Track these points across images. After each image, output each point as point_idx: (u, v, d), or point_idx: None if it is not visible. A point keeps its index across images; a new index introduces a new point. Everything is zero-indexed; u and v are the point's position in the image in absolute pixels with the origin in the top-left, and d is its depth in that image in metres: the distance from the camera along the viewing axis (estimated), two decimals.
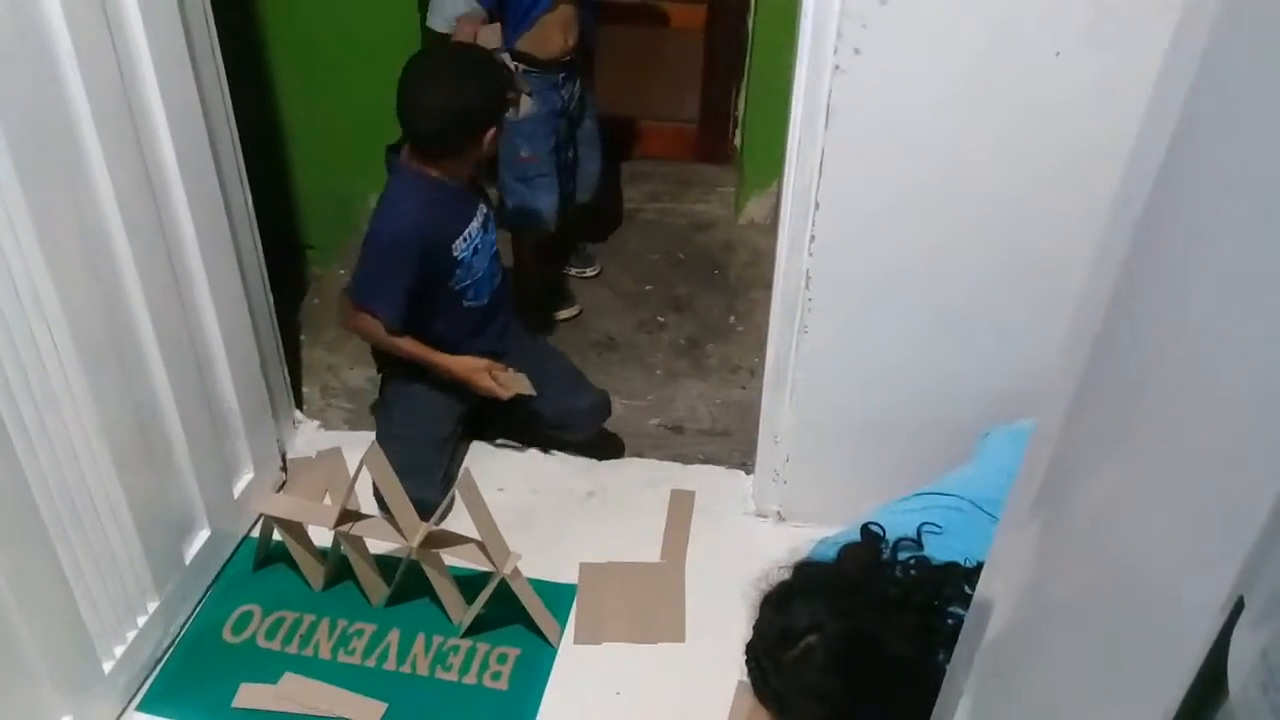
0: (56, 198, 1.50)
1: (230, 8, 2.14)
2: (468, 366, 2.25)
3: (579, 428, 2.43)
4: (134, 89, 1.66)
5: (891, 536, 1.60)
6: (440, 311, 2.25)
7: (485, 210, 2.29)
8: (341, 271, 3.15)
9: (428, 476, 2.21)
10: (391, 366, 2.37)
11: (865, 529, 1.62)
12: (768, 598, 1.57)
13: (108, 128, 1.58)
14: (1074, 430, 0.85)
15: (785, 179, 1.89)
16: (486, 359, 2.27)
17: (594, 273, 3.16)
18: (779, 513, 2.25)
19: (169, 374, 1.82)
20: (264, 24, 3.03)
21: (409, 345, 2.22)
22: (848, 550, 1.61)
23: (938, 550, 1.56)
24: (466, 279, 2.23)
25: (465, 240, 2.20)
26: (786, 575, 1.59)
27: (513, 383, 2.27)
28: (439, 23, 2.63)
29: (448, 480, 2.23)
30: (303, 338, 2.85)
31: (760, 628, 1.56)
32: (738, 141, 3.62)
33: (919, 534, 1.60)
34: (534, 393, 2.29)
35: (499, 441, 2.49)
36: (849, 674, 1.44)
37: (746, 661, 1.58)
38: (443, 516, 2.05)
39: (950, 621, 1.51)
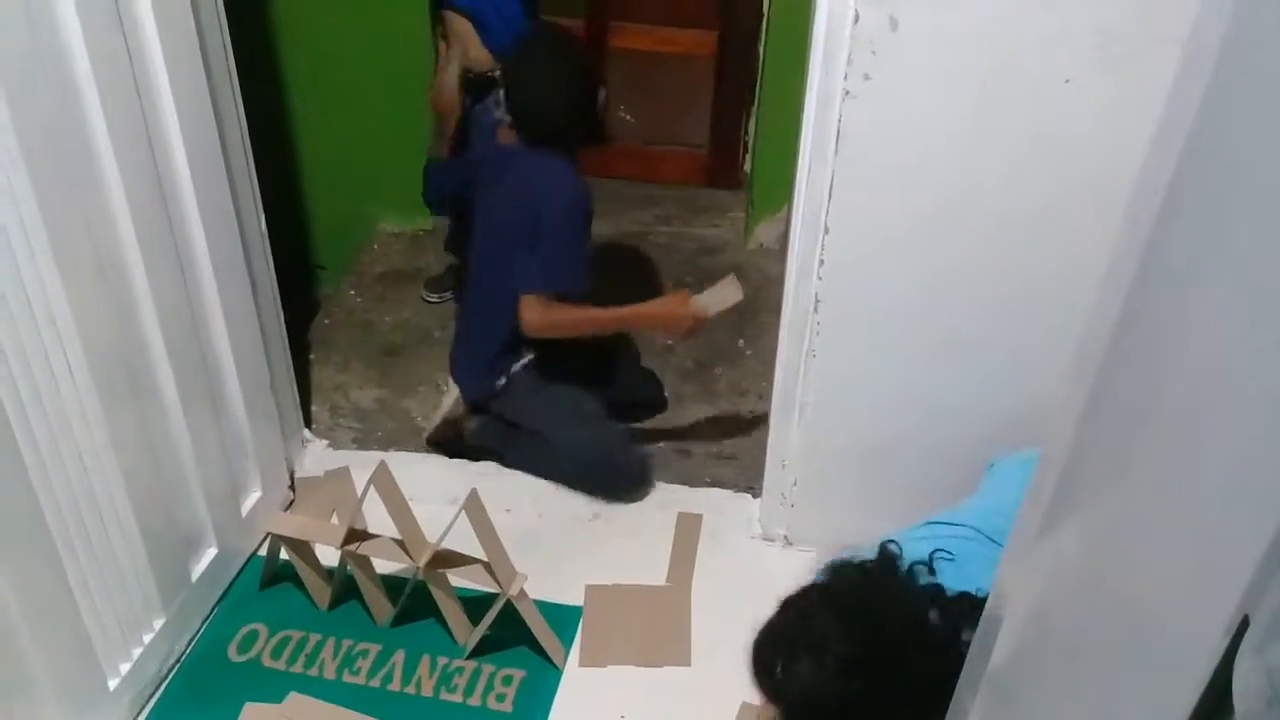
0: (72, 217, 1.52)
1: (246, 32, 2.17)
2: (670, 305, 2.28)
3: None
4: (150, 110, 1.68)
5: (906, 560, 1.60)
6: None
7: None
8: (351, 292, 3.17)
9: (627, 446, 2.35)
10: (521, 377, 2.38)
11: (883, 547, 1.62)
12: (792, 600, 1.56)
13: (124, 148, 1.60)
14: (1080, 455, 0.85)
15: (795, 204, 1.89)
16: (677, 293, 2.29)
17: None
18: (786, 536, 2.24)
19: (180, 392, 1.83)
20: (279, 48, 3.07)
21: (606, 313, 2.26)
22: (869, 567, 1.61)
23: (951, 579, 1.56)
24: None
25: None
26: (817, 580, 1.59)
27: (721, 297, 2.25)
28: None
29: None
30: (312, 357, 2.86)
31: (779, 627, 1.55)
32: (748, 166, 3.64)
33: (931, 560, 1.60)
34: (740, 295, 2.30)
35: None
36: (854, 696, 1.44)
37: (754, 654, 1.57)
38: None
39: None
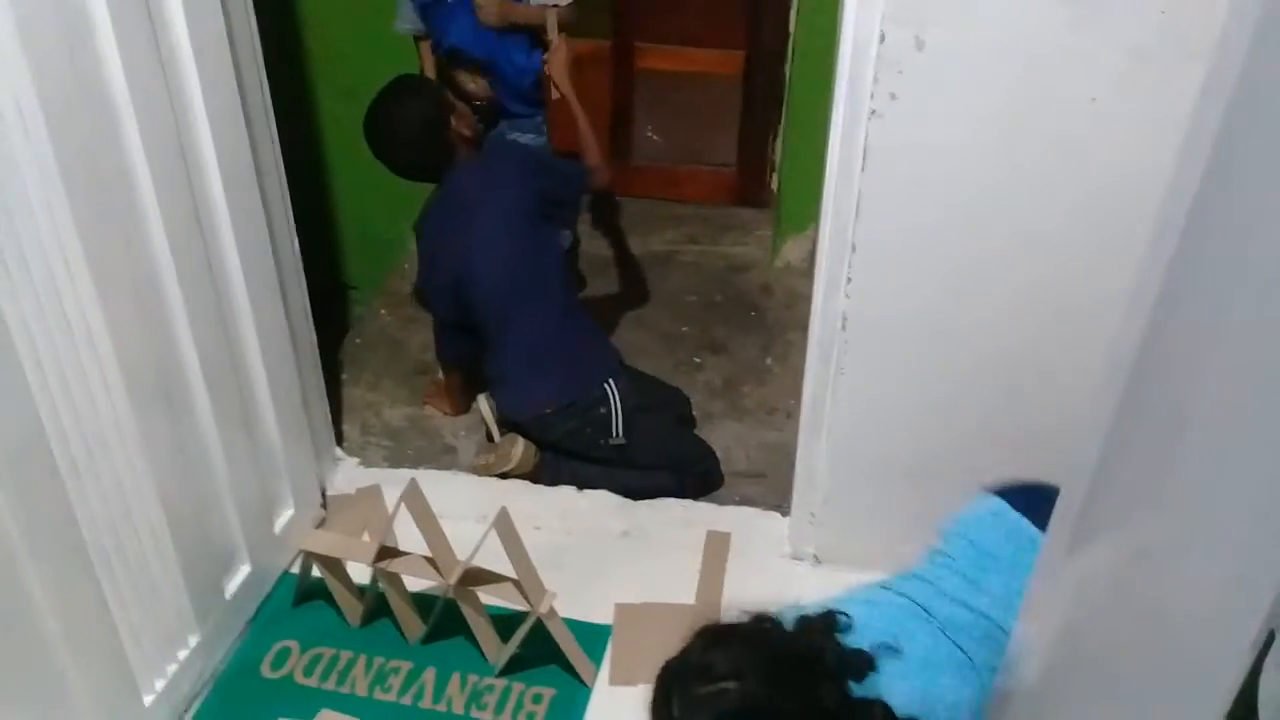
0: (110, 238, 1.55)
1: (279, 56, 2.21)
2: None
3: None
4: (186, 134, 1.71)
5: (858, 637, 1.50)
6: None
7: None
8: (382, 312, 3.20)
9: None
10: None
11: (830, 614, 1.54)
12: (709, 628, 1.51)
13: (161, 172, 1.63)
14: (1107, 472, 0.85)
15: (822, 222, 1.90)
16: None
17: None
18: (815, 555, 2.24)
19: (214, 412, 1.86)
20: (311, 72, 3.11)
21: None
22: (805, 626, 1.53)
23: (888, 679, 1.46)
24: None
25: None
26: (742, 619, 1.52)
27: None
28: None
29: None
30: (344, 376, 2.88)
31: (688, 653, 1.49)
32: (775, 185, 3.65)
33: (875, 653, 1.50)
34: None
35: None
36: None
37: (657, 679, 1.51)
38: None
39: None
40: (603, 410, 2.46)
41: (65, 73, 1.42)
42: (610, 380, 2.48)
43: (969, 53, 1.62)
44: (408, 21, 2.85)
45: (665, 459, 2.55)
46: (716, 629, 1.49)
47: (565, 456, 2.52)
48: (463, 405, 2.75)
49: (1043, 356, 1.88)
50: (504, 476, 2.50)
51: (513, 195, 2.44)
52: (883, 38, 1.62)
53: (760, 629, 1.48)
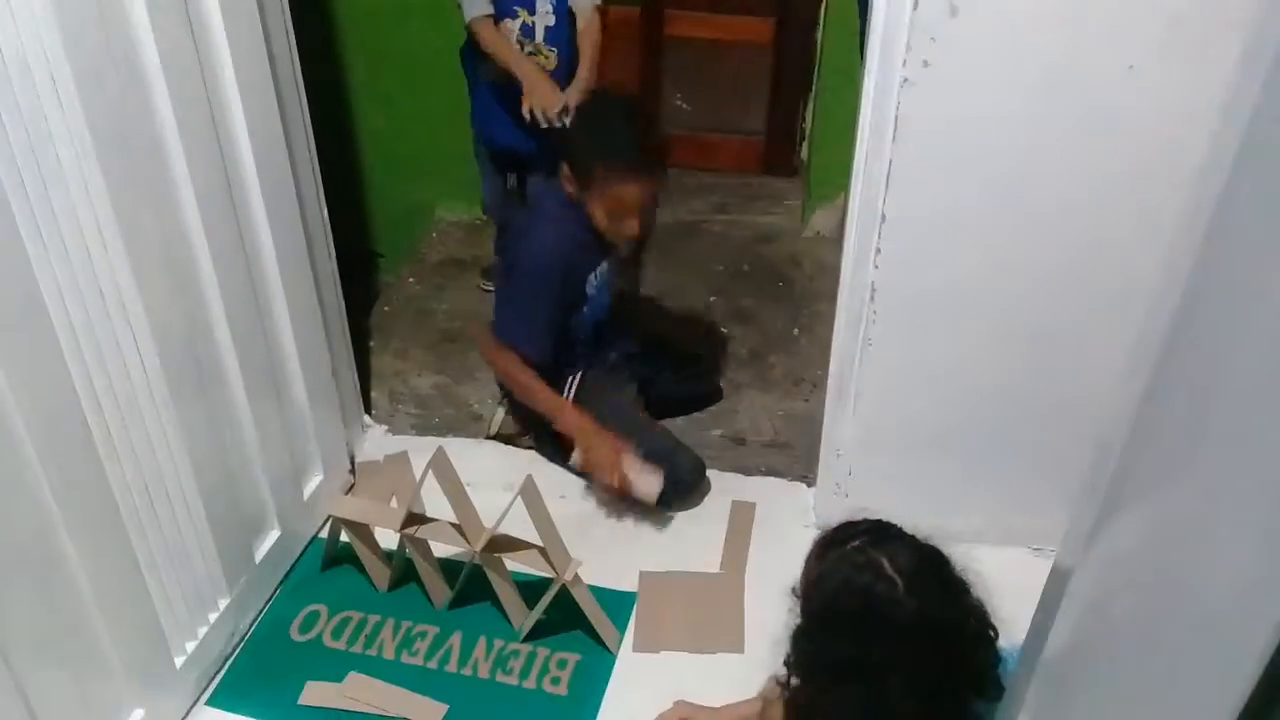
0: (142, 208, 1.56)
1: (308, 23, 2.21)
2: (601, 449, 2.19)
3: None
4: (216, 103, 1.71)
5: None
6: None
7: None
8: (410, 279, 3.21)
9: (677, 452, 2.31)
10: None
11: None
12: (902, 534, 1.51)
13: (191, 142, 1.64)
14: (1138, 446, 0.85)
15: (852, 192, 1.89)
16: (622, 444, 2.17)
17: None
18: None
19: (245, 379, 1.87)
20: (340, 36, 3.11)
21: (544, 392, 2.24)
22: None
23: None
24: (589, 315, 2.32)
25: (596, 276, 2.27)
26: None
27: (641, 483, 2.16)
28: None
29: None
30: (372, 344, 2.90)
31: (879, 527, 1.48)
32: (804, 154, 3.62)
33: None
34: (654, 500, 2.20)
35: None
36: (869, 626, 1.37)
37: (836, 528, 1.52)
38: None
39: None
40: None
41: (98, 42, 1.42)
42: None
43: (1003, 19, 1.60)
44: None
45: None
46: (912, 539, 1.47)
47: None
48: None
49: (1073, 329, 1.87)
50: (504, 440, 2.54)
51: None
52: (916, 4, 1.60)
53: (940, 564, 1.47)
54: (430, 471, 1.90)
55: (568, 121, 2.46)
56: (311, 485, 2.21)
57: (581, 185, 2.15)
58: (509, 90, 2.55)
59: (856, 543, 1.44)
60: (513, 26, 2.51)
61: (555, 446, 2.39)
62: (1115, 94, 1.62)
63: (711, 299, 3.13)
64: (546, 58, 2.55)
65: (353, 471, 2.40)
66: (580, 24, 2.61)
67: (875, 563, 1.39)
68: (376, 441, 2.53)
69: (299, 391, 2.11)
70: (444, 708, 1.88)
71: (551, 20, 2.50)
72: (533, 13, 2.50)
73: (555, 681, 1.94)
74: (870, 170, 1.79)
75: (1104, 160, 1.69)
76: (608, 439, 2.21)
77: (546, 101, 2.46)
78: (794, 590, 1.51)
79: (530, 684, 1.93)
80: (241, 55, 1.74)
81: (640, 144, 2.15)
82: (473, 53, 2.65)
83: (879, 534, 1.46)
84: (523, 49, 2.53)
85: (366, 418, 2.56)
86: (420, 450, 2.41)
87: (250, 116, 1.79)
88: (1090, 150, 1.68)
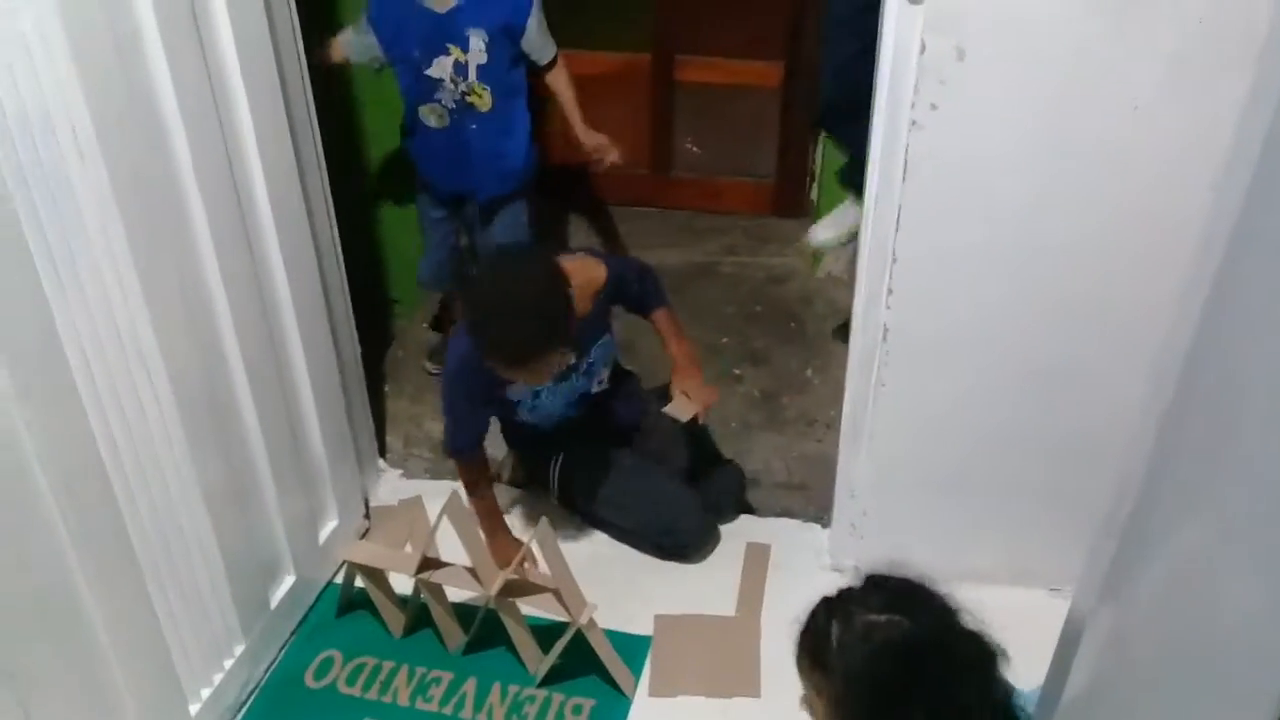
0: (161, 255, 1.58)
1: (323, 72, 2.24)
2: (504, 555, 2.11)
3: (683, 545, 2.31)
4: (234, 152, 1.74)
5: None
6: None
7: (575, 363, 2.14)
8: (424, 325, 3.23)
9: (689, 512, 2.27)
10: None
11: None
12: (872, 576, 1.54)
13: (209, 189, 1.66)
14: (1154, 485, 0.84)
15: (863, 233, 1.90)
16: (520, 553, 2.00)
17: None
18: (856, 568, 2.21)
19: (260, 424, 1.88)
20: (355, 86, 3.15)
21: (477, 504, 2.19)
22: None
23: None
24: (532, 415, 2.23)
25: (525, 389, 2.14)
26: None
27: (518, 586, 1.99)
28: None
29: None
30: (386, 389, 2.91)
31: (842, 593, 1.52)
32: (815, 196, 3.64)
33: None
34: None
35: None
36: (912, 667, 1.39)
37: (818, 604, 1.54)
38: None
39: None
40: None
41: (119, 94, 1.45)
42: None
43: (1010, 62, 1.61)
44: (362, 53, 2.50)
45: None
46: (876, 576, 1.52)
47: None
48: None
49: (1085, 368, 1.86)
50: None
51: None
52: (923, 48, 1.61)
53: (925, 588, 1.51)
54: (445, 516, 1.90)
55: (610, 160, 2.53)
56: (327, 530, 2.21)
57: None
58: (456, 132, 2.50)
59: (839, 621, 1.47)
60: (445, 64, 2.41)
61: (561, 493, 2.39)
62: (1121, 133, 1.63)
63: (724, 340, 3.13)
64: (480, 96, 2.45)
65: (367, 516, 2.40)
66: (548, 76, 2.56)
67: (873, 622, 1.43)
68: (391, 486, 2.53)
69: (314, 436, 2.12)
70: None
71: (484, 59, 2.41)
72: (466, 50, 2.39)
73: None
74: (880, 211, 1.80)
75: (1112, 198, 1.69)
76: (510, 547, 2.17)
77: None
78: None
79: None
80: (257, 105, 1.77)
81: (529, 344, 1.89)
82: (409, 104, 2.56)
83: (841, 600, 1.50)
84: (456, 88, 2.44)
85: (381, 462, 2.57)
86: (435, 494, 2.40)
87: (266, 164, 1.81)
88: (1098, 189, 1.69)
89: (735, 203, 3.72)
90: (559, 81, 2.60)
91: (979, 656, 1.44)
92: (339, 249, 2.18)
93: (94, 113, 1.40)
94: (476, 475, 2.21)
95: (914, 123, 1.68)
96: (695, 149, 3.69)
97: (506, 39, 2.43)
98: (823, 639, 1.49)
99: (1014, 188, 1.72)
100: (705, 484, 2.37)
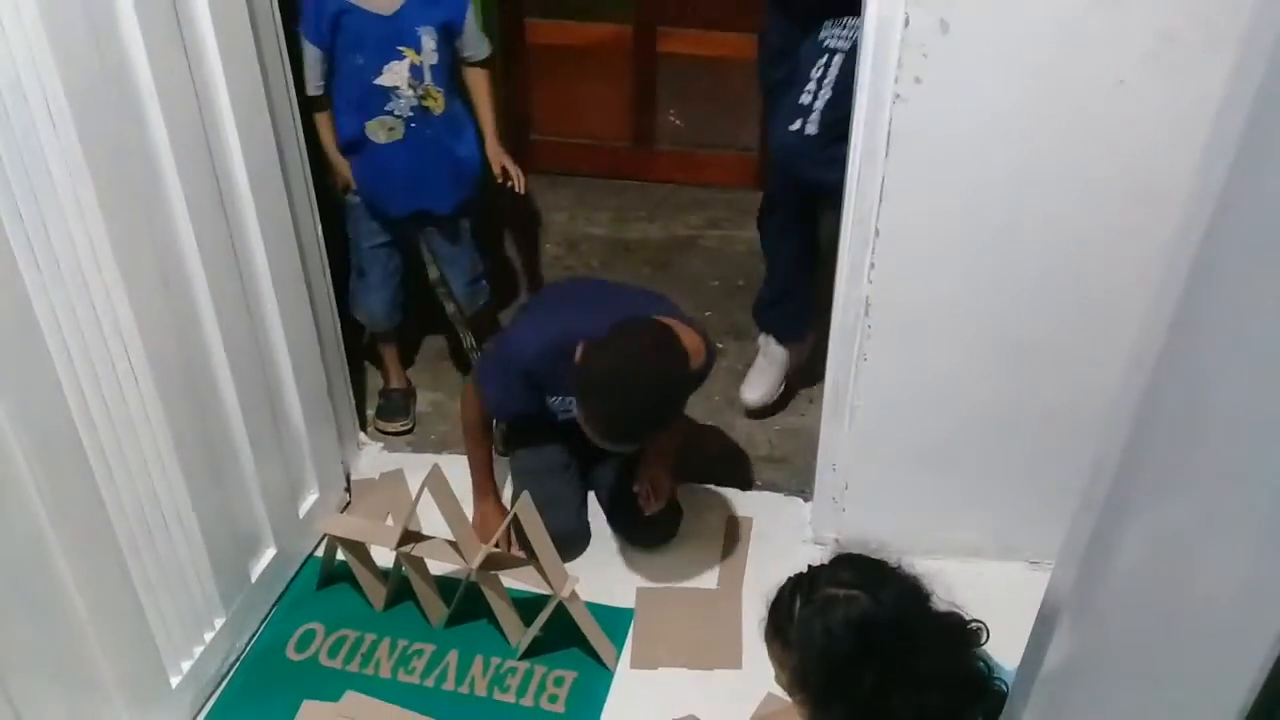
0: (137, 229, 1.56)
1: (301, 46, 2.21)
2: (486, 524, 2.17)
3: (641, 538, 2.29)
4: (211, 124, 1.72)
5: None
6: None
7: None
8: None
9: (562, 507, 2.22)
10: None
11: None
12: (841, 555, 1.58)
13: (186, 162, 1.64)
14: (1133, 460, 0.85)
15: (845, 207, 1.89)
16: (501, 526, 2.02)
17: (402, 427, 2.64)
18: (838, 540, 2.23)
19: (239, 396, 1.87)
20: None
21: (479, 455, 2.21)
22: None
23: None
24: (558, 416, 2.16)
25: (563, 400, 2.10)
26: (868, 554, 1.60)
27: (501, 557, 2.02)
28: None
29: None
30: (367, 362, 2.89)
31: (811, 569, 1.56)
32: None
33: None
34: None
35: None
36: (866, 641, 1.44)
37: (786, 581, 1.58)
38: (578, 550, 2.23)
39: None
40: None
41: (91, 63, 1.43)
42: None
43: (994, 35, 1.61)
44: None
45: None
46: (841, 556, 1.59)
47: None
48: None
49: (1067, 342, 1.87)
50: None
51: None
52: (907, 21, 1.61)
53: (875, 563, 1.55)
54: (426, 489, 1.90)
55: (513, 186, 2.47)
56: (307, 504, 2.21)
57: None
58: (412, 143, 2.34)
59: (802, 596, 1.53)
60: (400, 70, 2.25)
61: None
62: (1106, 108, 1.63)
63: (707, 314, 3.13)
64: (435, 99, 2.31)
65: (348, 489, 2.40)
66: (472, 74, 2.43)
67: (832, 596, 1.48)
68: (372, 459, 2.52)
69: (294, 410, 2.11)
70: None
71: (435, 59, 2.27)
72: (420, 51, 2.25)
73: (553, 699, 1.93)
74: (863, 185, 1.80)
75: (1096, 174, 1.70)
76: (494, 517, 2.19)
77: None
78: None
79: (528, 701, 1.93)
80: (235, 77, 1.74)
81: (638, 427, 1.88)
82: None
83: (808, 576, 1.55)
84: (414, 92, 2.28)
85: (362, 435, 2.56)
86: (416, 468, 2.41)
87: (244, 137, 1.79)
88: (1083, 164, 1.69)
89: (718, 176, 3.70)
90: (481, 83, 2.45)
91: (940, 632, 1.47)
92: (318, 223, 2.16)
93: (66, 82, 1.37)
94: (486, 427, 2.22)
95: (897, 96, 1.67)
96: (678, 121, 3.67)
97: (448, 37, 2.32)
98: (785, 613, 1.52)
99: (997, 162, 1.72)
100: (645, 525, 2.25)
